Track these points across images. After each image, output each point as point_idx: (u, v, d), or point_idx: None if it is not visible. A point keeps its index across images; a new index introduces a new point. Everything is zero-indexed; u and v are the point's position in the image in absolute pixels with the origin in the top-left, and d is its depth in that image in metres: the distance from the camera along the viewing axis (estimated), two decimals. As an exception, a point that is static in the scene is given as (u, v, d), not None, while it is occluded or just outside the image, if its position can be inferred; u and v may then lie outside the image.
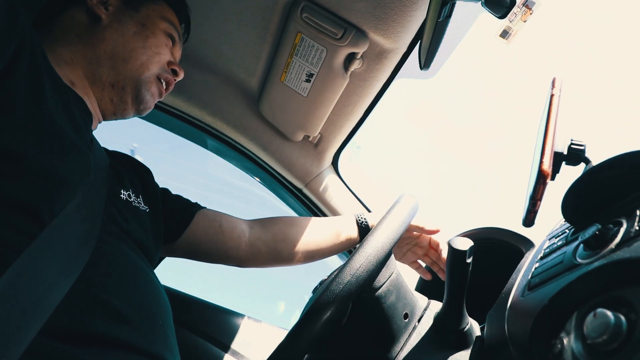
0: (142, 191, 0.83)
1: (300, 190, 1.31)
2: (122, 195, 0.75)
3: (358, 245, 0.56)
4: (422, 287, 0.94)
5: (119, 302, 0.58)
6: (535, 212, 0.44)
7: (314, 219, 1.03)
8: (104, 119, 0.81)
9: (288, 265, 1.00)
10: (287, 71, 1.06)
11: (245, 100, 1.24)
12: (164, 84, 0.84)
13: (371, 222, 1.01)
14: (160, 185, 0.93)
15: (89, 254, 0.58)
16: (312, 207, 1.31)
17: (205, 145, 1.38)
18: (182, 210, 0.91)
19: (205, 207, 0.97)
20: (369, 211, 1.26)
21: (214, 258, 0.96)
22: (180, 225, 0.90)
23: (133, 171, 0.86)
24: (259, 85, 1.19)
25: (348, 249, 1.04)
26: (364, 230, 1.00)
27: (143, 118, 1.34)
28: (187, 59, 1.18)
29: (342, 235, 1.00)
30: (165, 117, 1.31)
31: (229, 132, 1.28)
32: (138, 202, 0.78)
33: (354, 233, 1.00)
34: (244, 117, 1.25)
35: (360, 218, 1.01)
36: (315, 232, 0.99)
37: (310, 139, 1.24)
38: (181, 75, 0.88)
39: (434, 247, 0.92)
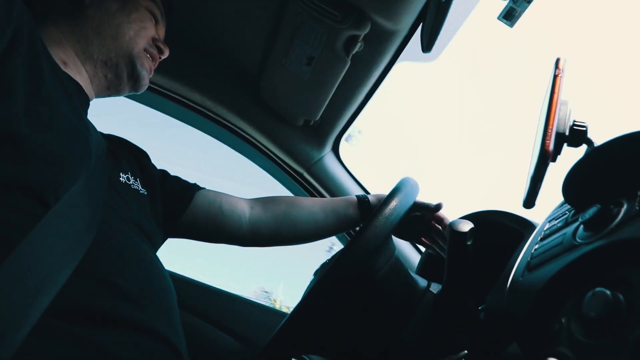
0: (139, 174, 0.84)
1: (301, 175, 1.31)
2: (121, 179, 0.75)
3: (359, 227, 0.56)
4: (422, 270, 0.95)
5: (125, 282, 0.59)
6: (536, 194, 0.44)
7: (315, 200, 1.03)
8: (96, 96, 0.81)
9: (289, 244, 1.01)
10: (288, 54, 1.05)
11: (245, 84, 1.23)
12: (150, 59, 0.84)
13: (373, 202, 1.01)
14: (160, 167, 0.93)
15: (92, 236, 0.59)
16: (313, 191, 1.31)
17: (205, 130, 1.38)
18: (181, 192, 0.91)
19: (204, 188, 0.97)
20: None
21: (215, 238, 0.96)
22: (179, 207, 0.90)
23: (130, 154, 0.86)
24: (259, 69, 1.18)
25: (351, 229, 1.04)
26: (366, 210, 1.00)
27: (144, 103, 1.34)
28: (187, 42, 1.17)
29: (343, 216, 1.00)
30: (165, 101, 1.30)
31: (229, 116, 1.27)
32: (137, 185, 0.79)
33: (355, 213, 1.00)
34: (245, 101, 1.25)
35: (362, 198, 1.01)
36: (316, 212, 0.99)
37: (311, 124, 1.24)
38: (166, 53, 0.87)
39: (437, 222, 0.93)
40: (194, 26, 1.12)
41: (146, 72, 0.83)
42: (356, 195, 1.03)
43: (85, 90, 0.75)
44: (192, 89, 1.24)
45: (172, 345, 0.61)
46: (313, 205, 1.01)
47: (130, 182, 0.77)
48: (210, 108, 1.27)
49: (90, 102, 0.79)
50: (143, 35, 0.81)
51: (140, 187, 0.80)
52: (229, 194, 1.00)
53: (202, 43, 1.18)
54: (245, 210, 0.98)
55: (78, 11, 0.75)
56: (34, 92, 0.55)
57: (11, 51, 0.53)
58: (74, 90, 0.69)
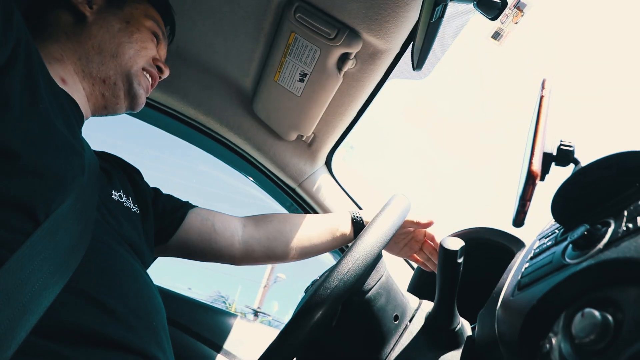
0: (132, 192, 0.83)
1: (293, 190, 1.31)
2: (113, 196, 0.75)
3: (349, 245, 0.56)
4: (414, 288, 0.94)
5: (114, 301, 0.58)
6: (525, 213, 0.44)
7: (307, 216, 1.03)
8: (93, 115, 0.81)
9: (282, 262, 1.00)
10: (281, 71, 1.06)
11: (238, 99, 1.24)
12: (149, 78, 0.85)
13: (365, 219, 1.01)
14: (153, 184, 0.93)
15: (82, 254, 0.58)
16: (305, 206, 1.31)
17: (199, 144, 1.38)
18: (174, 211, 0.91)
19: (197, 206, 0.97)
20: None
21: (208, 257, 0.95)
22: (172, 225, 0.90)
23: (122, 172, 0.85)
24: (252, 85, 1.19)
25: (343, 246, 1.04)
26: (359, 226, 1.00)
27: (137, 117, 1.34)
28: (181, 57, 1.18)
29: (336, 232, 1.00)
30: (159, 115, 1.30)
31: (223, 131, 1.28)
32: (129, 203, 0.78)
33: (348, 230, 1.00)
34: (238, 116, 1.25)
35: (354, 215, 1.01)
36: (309, 229, 1.00)
37: (303, 139, 1.24)
38: (166, 73, 0.88)
39: (429, 240, 0.94)
40: (188, 41, 1.13)
41: (143, 91, 0.83)
42: (350, 212, 1.03)
43: (82, 108, 0.74)
44: (186, 103, 1.24)
45: None
46: (306, 222, 1.01)
47: (123, 200, 0.77)
48: (203, 122, 1.28)
49: (86, 121, 0.79)
50: (143, 54, 0.82)
51: (132, 205, 0.79)
52: (222, 212, 0.99)
53: (196, 58, 1.19)
54: (237, 228, 0.97)
55: (80, 29, 0.76)
56: (29, 108, 0.54)
57: (8, 67, 0.53)
58: (70, 107, 0.69)
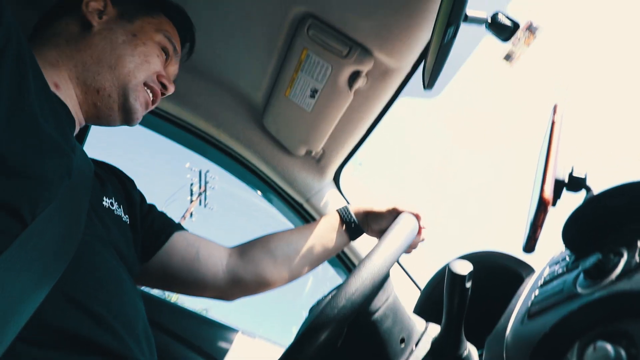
0: (124, 201, 0.83)
1: (301, 205, 1.30)
2: (104, 203, 0.74)
3: (357, 264, 0.55)
4: (420, 310, 0.93)
5: (100, 307, 0.58)
6: (536, 239, 0.44)
7: (293, 229, 0.98)
8: (87, 123, 0.80)
9: (277, 286, 0.94)
10: (292, 86, 1.07)
11: (249, 113, 1.25)
12: (150, 94, 0.82)
13: (354, 210, 0.96)
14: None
15: (69, 258, 0.58)
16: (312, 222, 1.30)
17: (208, 156, 1.39)
18: (161, 227, 0.88)
19: (186, 230, 0.93)
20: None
21: (190, 287, 0.90)
22: (155, 243, 0.86)
23: (117, 181, 0.85)
24: (263, 99, 1.20)
25: (339, 250, 0.99)
26: (350, 225, 0.95)
27: (149, 127, 1.36)
28: (194, 70, 1.19)
29: (328, 238, 0.94)
30: (170, 126, 1.32)
31: (232, 144, 1.29)
32: (120, 212, 0.78)
33: (339, 233, 0.94)
34: (248, 129, 1.26)
35: (344, 213, 0.95)
36: (297, 242, 0.93)
37: (312, 154, 1.24)
38: (170, 90, 0.85)
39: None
40: (201, 54, 1.15)
41: (140, 107, 0.80)
42: (337, 211, 0.97)
43: (74, 114, 0.74)
44: (197, 115, 1.26)
45: None
46: (291, 235, 0.95)
47: (114, 208, 0.76)
48: (214, 135, 1.29)
49: (86, 128, 0.78)
50: (144, 69, 0.79)
51: (122, 214, 0.78)
52: (211, 240, 0.94)
53: (208, 71, 1.20)
54: (222, 257, 0.92)
55: (83, 37, 0.76)
56: (16, 108, 0.54)
57: None
58: (61, 111, 0.69)
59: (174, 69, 0.89)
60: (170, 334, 1.12)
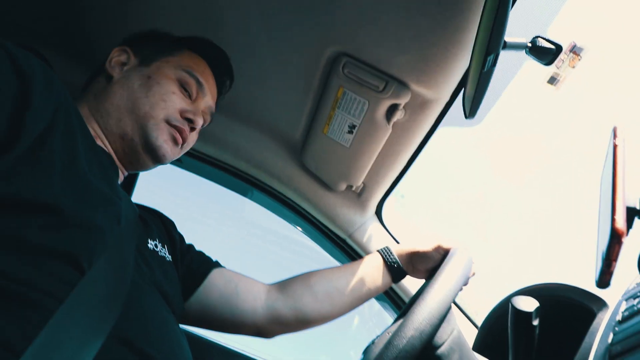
0: (167, 241, 0.86)
1: (344, 241, 1.29)
2: (149, 245, 0.78)
3: (415, 294, 0.53)
4: (479, 347, 0.87)
5: (151, 348, 0.59)
6: (611, 273, 0.40)
7: (334, 268, 0.97)
8: (127, 171, 0.83)
9: (317, 324, 0.92)
10: (330, 123, 1.08)
11: (288, 152, 1.27)
12: (176, 132, 0.80)
13: (396, 252, 0.95)
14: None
15: (122, 302, 0.60)
16: (356, 257, 1.28)
17: (249, 197, 1.41)
18: (199, 265, 0.90)
19: (223, 267, 0.94)
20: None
21: (229, 325, 0.90)
22: (194, 281, 0.87)
23: (160, 222, 0.89)
24: (302, 137, 1.22)
25: (381, 291, 0.97)
26: (392, 266, 0.94)
27: (189, 169, 1.40)
28: (233, 113, 1.23)
29: (370, 278, 0.93)
30: (210, 168, 1.35)
31: (273, 183, 1.30)
32: (164, 253, 0.81)
33: (382, 273, 0.93)
34: (288, 168, 1.27)
35: (386, 254, 0.95)
36: (339, 281, 0.92)
37: (353, 189, 1.24)
38: (198, 123, 0.82)
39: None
40: (238, 95, 1.18)
41: (164, 142, 0.79)
42: (379, 251, 0.96)
43: (117, 163, 0.79)
44: (238, 157, 1.29)
45: None
46: (332, 272, 0.94)
47: (158, 249, 0.79)
48: (255, 175, 1.31)
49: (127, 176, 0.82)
50: (162, 107, 0.78)
51: (167, 255, 0.81)
52: (248, 276, 0.94)
53: (247, 114, 1.24)
54: (261, 292, 0.92)
55: (105, 89, 0.81)
56: (69, 166, 0.59)
57: (51, 129, 0.58)
58: (106, 161, 0.74)
59: (202, 102, 0.86)
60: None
